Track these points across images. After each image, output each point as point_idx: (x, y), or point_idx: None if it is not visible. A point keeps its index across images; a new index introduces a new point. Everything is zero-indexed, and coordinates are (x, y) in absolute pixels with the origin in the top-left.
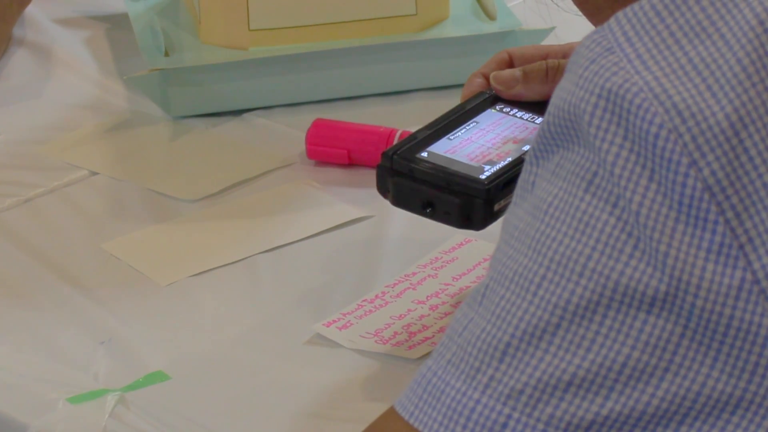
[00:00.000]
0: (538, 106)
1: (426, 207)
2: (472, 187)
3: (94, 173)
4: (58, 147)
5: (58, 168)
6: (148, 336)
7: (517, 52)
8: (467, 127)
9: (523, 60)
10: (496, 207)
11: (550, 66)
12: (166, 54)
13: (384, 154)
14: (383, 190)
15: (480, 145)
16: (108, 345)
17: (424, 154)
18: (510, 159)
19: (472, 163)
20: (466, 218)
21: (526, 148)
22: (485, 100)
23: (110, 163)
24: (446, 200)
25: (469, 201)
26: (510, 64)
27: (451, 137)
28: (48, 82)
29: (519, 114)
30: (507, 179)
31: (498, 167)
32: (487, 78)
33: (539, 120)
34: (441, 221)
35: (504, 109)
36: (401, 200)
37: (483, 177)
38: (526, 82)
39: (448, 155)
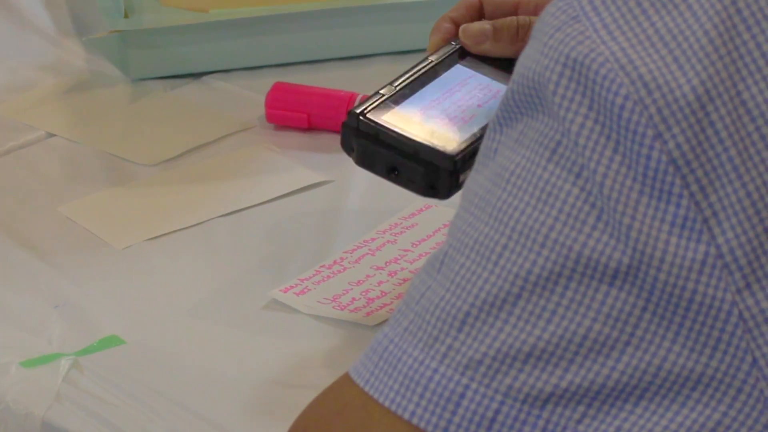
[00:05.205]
0: (506, 62)
1: (390, 172)
2: (439, 157)
3: (51, 135)
4: (15, 107)
5: (13, 128)
6: (103, 300)
7: None
8: (435, 86)
9: (493, 6)
10: (462, 177)
11: (521, 23)
12: (126, 15)
13: (350, 113)
14: (348, 148)
15: (446, 107)
16: (62, 308)
17: (391, 117)
18: (477, 128)
19: (440, 129)
20: (430, 187)
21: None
22: (453, 53)
23: (67, 124)
24: (412, 168)
25: (434, 171)
26: (479, 9)
27: (419, 97)
28: (4, 41)
29: (487, 72)
30: (474, 150)
31: (465, 137)
32: (455, 24)
33: (506, 80)
34: (405, 187)
35: (472, 65)
36: (366, 162)
37: (450, 147)
38: (495, 39)
39: (415, 119)
